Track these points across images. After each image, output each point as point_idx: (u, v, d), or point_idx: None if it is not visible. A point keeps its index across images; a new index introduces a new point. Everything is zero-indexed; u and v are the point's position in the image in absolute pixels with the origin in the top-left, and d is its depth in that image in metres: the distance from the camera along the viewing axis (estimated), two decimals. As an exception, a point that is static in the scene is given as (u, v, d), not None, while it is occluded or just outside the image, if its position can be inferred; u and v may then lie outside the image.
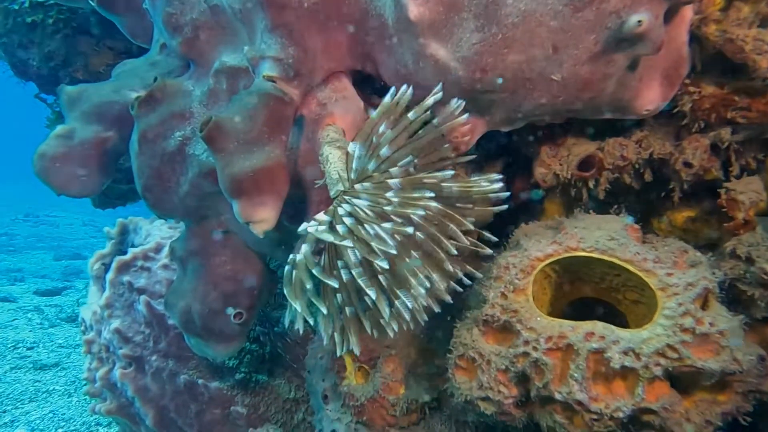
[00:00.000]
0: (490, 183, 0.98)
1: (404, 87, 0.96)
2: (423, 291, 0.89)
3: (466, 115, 0.92)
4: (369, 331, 0.96)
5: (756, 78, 0.84)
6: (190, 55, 1.18)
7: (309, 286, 0.91)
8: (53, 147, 1.20)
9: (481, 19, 0.88)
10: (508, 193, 1.00)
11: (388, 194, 0.87)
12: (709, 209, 1.08)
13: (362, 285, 0.88)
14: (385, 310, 0.91)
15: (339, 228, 0.89)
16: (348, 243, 0.86)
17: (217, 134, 0.96)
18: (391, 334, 0.94)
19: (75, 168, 1.23)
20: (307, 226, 0.91)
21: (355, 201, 0.90)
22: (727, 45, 0.85)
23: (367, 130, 0.99)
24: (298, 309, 0.91)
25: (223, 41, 1.14)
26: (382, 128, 0.95)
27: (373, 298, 0.89)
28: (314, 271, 0.90)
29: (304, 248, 0.92)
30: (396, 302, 0.90)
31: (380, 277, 0.89)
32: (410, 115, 0.95)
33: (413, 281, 0.88)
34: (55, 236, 9.37)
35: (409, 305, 0.90)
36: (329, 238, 0.88)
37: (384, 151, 0.93)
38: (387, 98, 0.97)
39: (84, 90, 1.26)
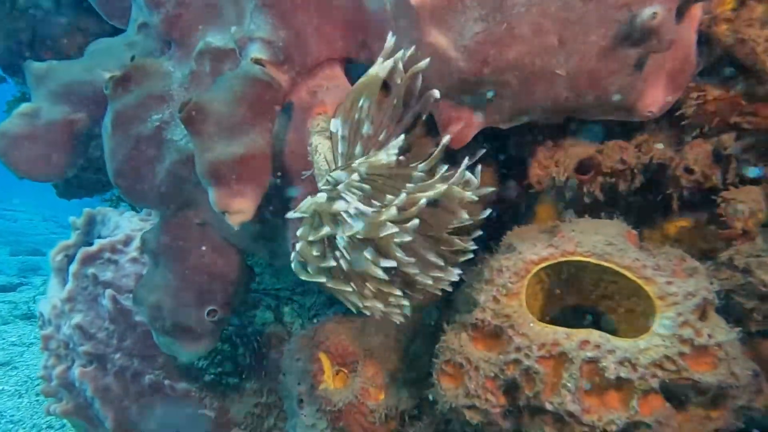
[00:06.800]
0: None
1: (389, 61, 0.89)
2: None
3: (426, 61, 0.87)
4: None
5: (766, 82, 0.82)
6: (172, 35, 1.11)
7: (305, 276, 0.85)
8: (17, 126, 1.12)
9: (486, 7, 0.84)
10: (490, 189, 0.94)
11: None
12: (703, 219, 1.05)
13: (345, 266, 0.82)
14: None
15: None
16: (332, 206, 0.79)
17: (197, 116, 0.90)
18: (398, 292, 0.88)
19: (40, 150, 1.14)
20: (300, 206, 0.84)
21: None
22: (738, 46, 0.83)
23: (348, 105, 0.92)
24: (323, 281, 0.84)
25: (209, 20, 1.08)
26: (363, 102, 0.89)
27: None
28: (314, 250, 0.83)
29: (301, 230, 0.85)
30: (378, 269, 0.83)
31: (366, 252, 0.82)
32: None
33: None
34: (13, 231, 8.99)
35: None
36: (306, 206, 0.81)
37: (366, 128, 0.87)
38: (372, 69, 0.91)
39: (53, 67, 1.18)
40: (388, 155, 0.78)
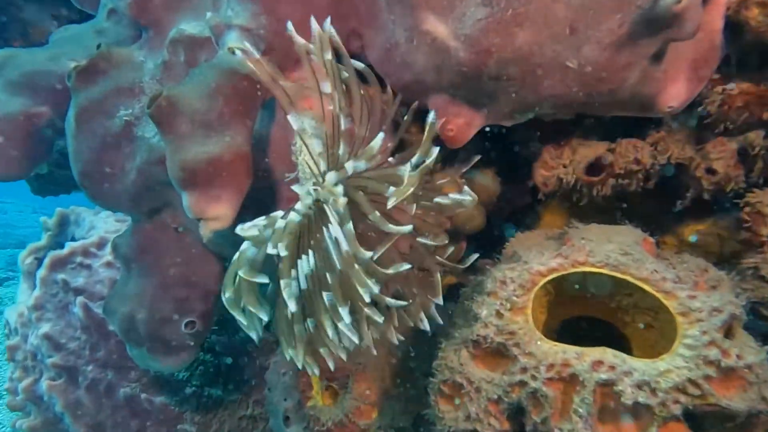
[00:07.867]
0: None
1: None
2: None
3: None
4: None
5: (804, 74, 0.74)
6: (142, 21, 1.01)
7: (229, 294, 0.77)
8: (-29, 120, 1.01)
9: (490, -10, 0.75)
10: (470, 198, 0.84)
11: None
12: (722, 223, 0.97)
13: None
14: (330, 330, 0.76)
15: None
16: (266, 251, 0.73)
17: (169, 112, 0.80)
18: (344, 357, 0.81)
19: (-3, 146, 1.04)
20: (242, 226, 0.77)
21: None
22: (773, 32, 0.74)
23: (285, 97, 0.83)
24: (237, 318, 0.77)
25: (182, 5, 0.98)
26: (326, 87, 0.80)
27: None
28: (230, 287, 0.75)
29: (242, 249, 0.77)
30: (339, 324, 0.75)
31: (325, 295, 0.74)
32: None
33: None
34: (1, 223, 8.81)
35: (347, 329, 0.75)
36: (251, 233, 0.74)
37: (345, 123, 0.78)
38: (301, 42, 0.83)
39: (13, 55, 1.07)
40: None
